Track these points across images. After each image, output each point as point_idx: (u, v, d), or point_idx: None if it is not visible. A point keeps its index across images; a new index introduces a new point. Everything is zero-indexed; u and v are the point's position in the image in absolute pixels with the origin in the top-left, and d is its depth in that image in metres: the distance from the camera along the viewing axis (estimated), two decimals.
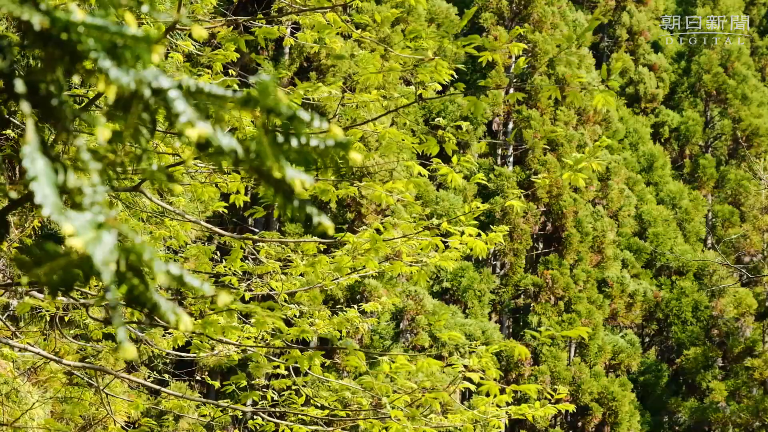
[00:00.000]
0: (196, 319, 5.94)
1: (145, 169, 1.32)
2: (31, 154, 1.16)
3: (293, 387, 6.77)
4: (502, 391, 6.20)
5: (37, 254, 1.13)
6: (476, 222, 6.00)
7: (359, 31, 5.73)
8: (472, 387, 6.11)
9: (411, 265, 6.04)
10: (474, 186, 23.88)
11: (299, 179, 1.30)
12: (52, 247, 1.14)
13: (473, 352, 6.00)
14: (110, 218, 1.17)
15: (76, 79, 1.25)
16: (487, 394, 6.19)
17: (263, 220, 22.97)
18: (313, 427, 6.44)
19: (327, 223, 1.37)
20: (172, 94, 1.24)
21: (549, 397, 6.22)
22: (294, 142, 1.30)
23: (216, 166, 1.28)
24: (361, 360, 6.01)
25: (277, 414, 6.78)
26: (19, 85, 1.23)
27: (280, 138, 1.29)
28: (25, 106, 1.22)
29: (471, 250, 5.93)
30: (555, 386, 6.49)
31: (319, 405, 6.58)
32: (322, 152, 1.32)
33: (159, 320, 5.95)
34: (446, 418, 6.19)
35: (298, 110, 1.31)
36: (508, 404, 6.28)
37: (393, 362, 6.04)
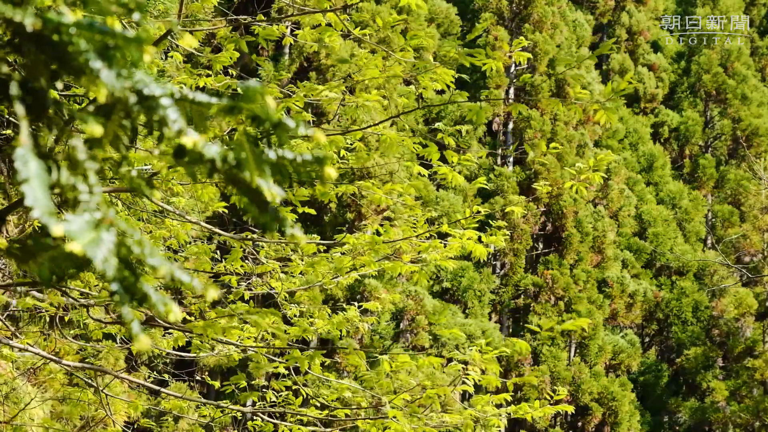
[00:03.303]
0: (195, 319, 5.94)
1: (124, 175, 1.32)
2: (23, 156, 1.16)
3: (293, 387, 6.77)
4: (503, 387, 6.20)
5: (30, 247, 1.14)
6: (476, 224, 6.00)
7: (358, 29, 5.73)
8: (471, 389, 6.10)
9: (413, 263, 6.04)
10: (474, 186, 23.87)
11: (270, 190, 1.30)
12: (44, 240, 1.14)
13: (474, 349, 5.99)
14: (107, 217, 1.17)
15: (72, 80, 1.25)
16: (488, 392, 6.19)
17: None
18: (312, 428, 6.43)
19: (299, 235, 1.39)
20: (164, 102, 1.24)
21: (549, 396, 6.21)
22: (272, 154, 1.30)
23: (190, 175, 1.28)
24: (362, 359, 6.01)
25: (277, 414, 6.78)
26: (14, 88, 1.23)
27: (264, 147, 1.30)
28: (19, 109, 1.22)
29: (471, 253, 5.93)
30: (555, 386, 6.49)
31: (319, 405, 6.58)
32: (298, 166, 1.32)
33: (159, 321, 5.95)
34: (445, 414, 6.19)
35: (284, 117, 1.31)
36: (507, 403, 6.28)
37: (394, 361, 6.03)
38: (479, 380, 5.93)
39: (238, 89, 1.34)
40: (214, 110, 1.28)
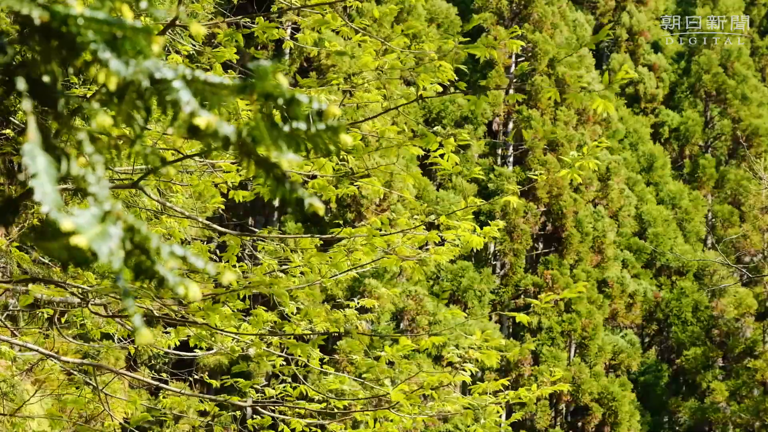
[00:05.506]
0: (194, 315, 5.94)
1: (139, 151, 1.32)
2: (31, 151, 1.16)
3: (292, 385, 6.77)
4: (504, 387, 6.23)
5: (48, 232, 1.15)
6: (473, 218, 6.03)
7: (359, 35, 5.74)
8: (468, 379, 6.13)
9: (408, 259, 6.05)
10: (474, 186, 23.88)
11: (286, 160, 1.30)
12: (57, 228, 1.15)
13: (472, 348, 6.02)
14: (115, 210, 1.18)
15: (74, 78, 1.26)
16: (487, 393, 6.21)
17: (263, 220, 22.96)
18: (311, 420, 6.45)
19: (318, 205, 1.37)
20: (176, 85, 1.25)
21: (548, 397, 6.23)
22: (286, 127, 1.31)
23: (206, 147, 1.28)
24: (364, 343, 6.01)
25: (278, 411, 6.78)
26: (21, 83, 1.24)
27: (277, 121, 1.30)
28: (26, 104, 1.23)
29: (468, 243, 5.96)
30: (554, 387, 6.51)
31: (318, 399, 6.59)
32: (313, 136, 1.32)
33: (159, 316, 5.96)
34: (445, 403, 6.20)
35: (297, 92, 1.32)
36: (506, 388, 6.30)
37: (396, 343, 6.05)
38: (476, 371, 5.96)
39: (251, 66, 1.35)
40: (227, 91, 1.29)
